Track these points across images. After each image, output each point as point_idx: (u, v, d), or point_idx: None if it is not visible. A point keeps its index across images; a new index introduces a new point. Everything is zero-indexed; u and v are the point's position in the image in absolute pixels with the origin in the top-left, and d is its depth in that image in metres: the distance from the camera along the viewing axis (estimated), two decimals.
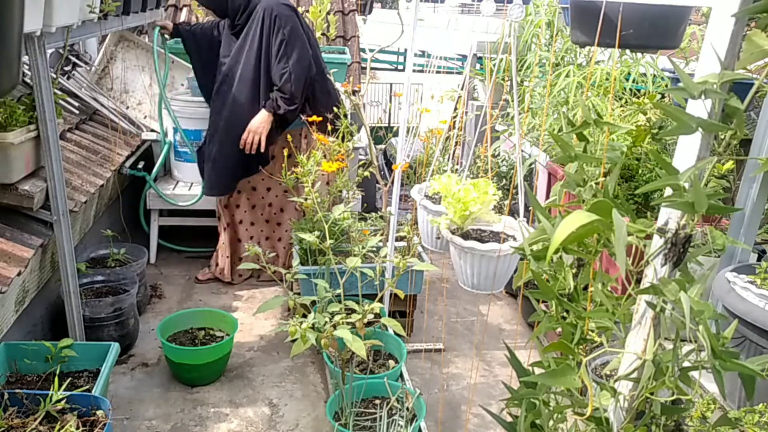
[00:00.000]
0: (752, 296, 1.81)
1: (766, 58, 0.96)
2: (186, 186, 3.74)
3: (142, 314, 3.14)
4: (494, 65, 2.79)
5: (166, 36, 3.55)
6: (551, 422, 1.15)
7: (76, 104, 3.46)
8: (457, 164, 3.40)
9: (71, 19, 2.30)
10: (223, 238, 3.52)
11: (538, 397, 1.15)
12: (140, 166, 3.55)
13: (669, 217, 0.99)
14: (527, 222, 2.74)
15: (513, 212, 2.92)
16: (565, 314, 1.15)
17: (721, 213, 0.99)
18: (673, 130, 0.93)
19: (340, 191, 2.98)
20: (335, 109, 3.03)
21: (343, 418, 2.17)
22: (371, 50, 4.95)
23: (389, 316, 2.83)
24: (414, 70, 2.56)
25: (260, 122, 3.17)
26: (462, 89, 3.70)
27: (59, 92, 2.81)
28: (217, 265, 3.56)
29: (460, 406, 2.64)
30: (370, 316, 2.11)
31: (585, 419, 1.06)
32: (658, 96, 2.91)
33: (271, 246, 3.58)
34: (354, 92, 3.80)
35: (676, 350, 0.96)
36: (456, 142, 3.43)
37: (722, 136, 2.45)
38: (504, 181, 3.56)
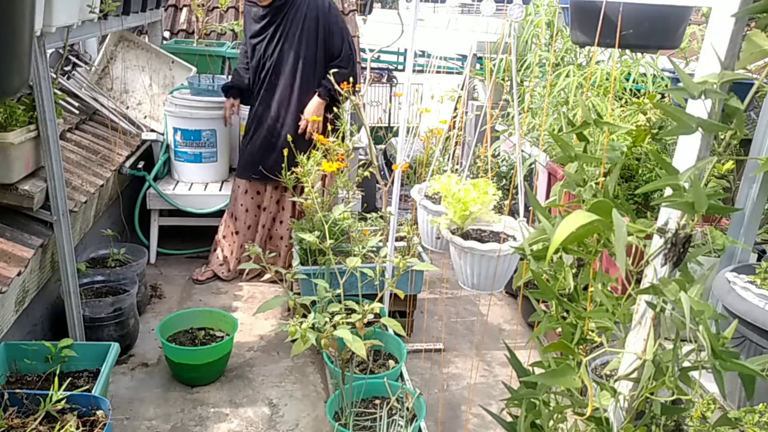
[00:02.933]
0: (752, 296, 1.80)
1: (766, 58, 0.96)
2: (186, 186, 3.74)
3: (142, 314, 3.13)
4: (494, 65, 2.79)
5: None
6: (551, 422, 1.15)
7: (76, 104, 3.46)
8: (457, 164, 3.40)
9: (71, 19, 2.30)
10: (223, 232, 3.53)
11: (538, 397, 1.15)
12: (140, 166, 3.55)
13: (669, 217, 0.99)
14: (527, 222, 2.74)
15: (513, 212, 2.92)
16: (565, 314, 1.15)
17: (721, 213, 0.99)
18: (673, 130, 0.93)
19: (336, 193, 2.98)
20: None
21: (343, 418, 2.17)
22: (371, 50, 4.95)
23: (389, 316, 2.83)
24: (414, 70, 2.56)
25: (317, 109, 3.30)
26: (462, 89, 3.70)
27: (59, 92, 2.82)
28: (218, 261, 3.56)
29: (460, 406, 2.64)
30: (370, 316, 2.11)
31: (585, 419, 1.06)
32: (658, 96, 2.91)
33: (273, 245, 3.58)
34: (354, 92, 3.80)
35: (676, 350, 0.95)
36: (456, 142, 3.42)
37: (722, 136, 2.45)
38: (504, 181, 3.56)
